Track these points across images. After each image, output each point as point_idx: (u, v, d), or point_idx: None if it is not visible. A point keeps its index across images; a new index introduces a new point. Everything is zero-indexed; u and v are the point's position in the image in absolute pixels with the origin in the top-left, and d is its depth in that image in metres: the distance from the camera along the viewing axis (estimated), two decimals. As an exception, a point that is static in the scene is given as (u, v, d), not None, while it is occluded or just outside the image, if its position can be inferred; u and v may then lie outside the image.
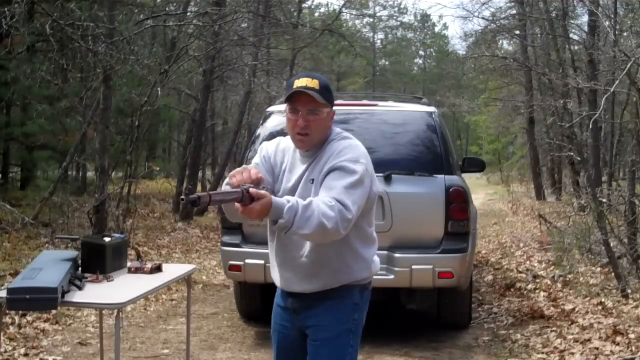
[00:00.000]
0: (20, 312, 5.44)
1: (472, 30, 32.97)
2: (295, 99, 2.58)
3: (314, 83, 2.58)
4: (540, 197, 21.04)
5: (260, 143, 5.51)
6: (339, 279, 2.64)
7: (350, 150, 2.58)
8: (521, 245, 11.11)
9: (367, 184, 2.54)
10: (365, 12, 41.82)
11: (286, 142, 2.75)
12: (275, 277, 2.81)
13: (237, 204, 2.32)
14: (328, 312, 2.65)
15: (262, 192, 2.31)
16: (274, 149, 2.76)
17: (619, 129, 16.76)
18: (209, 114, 17.32)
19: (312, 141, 2.61)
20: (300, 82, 2.58)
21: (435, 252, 5.35)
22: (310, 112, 2.58)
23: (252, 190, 2.30)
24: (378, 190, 2.69)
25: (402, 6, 66.27)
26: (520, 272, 8.66)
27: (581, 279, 7.67)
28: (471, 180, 8.97)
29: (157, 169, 18.27)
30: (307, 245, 2.62)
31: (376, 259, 2.79)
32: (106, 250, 3.63)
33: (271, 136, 5.24)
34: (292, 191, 2.62)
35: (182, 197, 2.21)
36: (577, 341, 5.32)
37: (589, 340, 5.29)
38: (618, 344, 5.09)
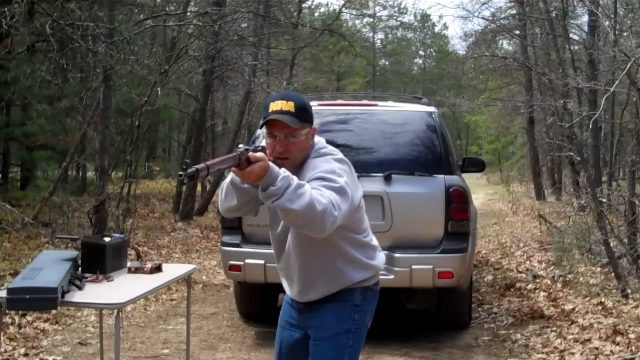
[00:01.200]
0: (20, 312, 5.44)
1: (472, 30, 32.96)
2: (271, 124, 2.52)
3: (289, 106, 2.50)
4: (540, 197, 21.04)
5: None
6: (337, 284, 2.66)
7: (327, 163, 2.53)
8: (521, 245, 11.11)
9: (349, 195, 2.47)
10: (365, 12, 41.75)
11: None
12: (284, 285, 2.84)
13: (234, 169, 2.29)
14: (328, 312, 2.67)
15: (260, 154, 2.28)
16: None
17: (619, 129, 16.76)
18: (209, 114, 17.33)
19: (294, 163, 2.56)
20: (275, 106, 2.51)
21: (435, 252, 5.35)
22: (289, 135, 2.52)
23: (250, 153, 2.27)
24: (362, 199, 2.65)
25: (402, 6, 66.26)
26: (520, 272, 8.66)
27: (581, 279, 7.67)
28: (471, 180, 8.97)
29: (157, 169, 18.25)
30: (298, 257, 2.63)
31: (380, 258, 2.77)
32: (106, 250, 3.63)
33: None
34: (275, 211, 2.58)
35: (180, 172, 2.08)
36: (577, 341, 5.32)
37: (589, 340, 5.29)
38: (618, 344, 5.10)
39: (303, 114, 2.53)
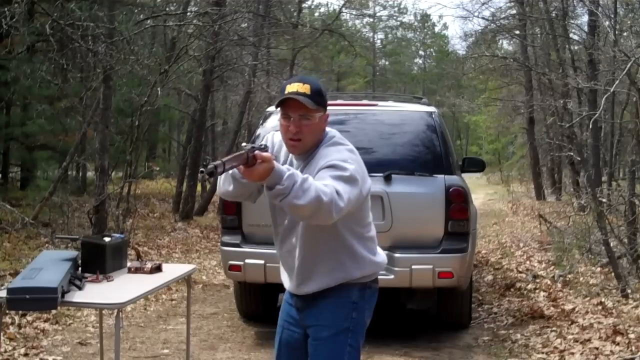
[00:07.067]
0: (20, 312, 5.44)
1: (472, 30, 32.90)
2: (286, 104, 2.58)
3: (305, 88, 2.56)
4: (540, 197, 21.04)
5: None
6: (336, 278, 2.65)
7: (338, 152, 2.57)
8: (521, 245, 11.10)
9: (359, 183, 2.52)
10: (365, 12, 41.80)
11: None
12: (283, 279, 2.84)
13: (240, 167, 2.32)
14: (326, 311, 2.67)
15: (266, 154, 2.32)
16: (279, 141, 2.75)
17: (619, 129, 16.77)
18: (209, 114, 17.31)
19: (305, 146, 2.61)
20: (291, 87, 2.57)
21: (435, 252, 5.36)
22: (302, 117, 2.57)
23: (256, 152, 2.31)
24: (370, 190, 2.68)
25: (402, 6, 66.20)
26: (520, 272, 8.66)
27: (581, 279, 7.67)
28: (471, 180, 8.97)
29: (157, 169, 18.25)
30: (301, 247, 2.64)
31: (382, 256, 2.78)
32: (106, 250, 3.63)
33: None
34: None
35: (202, 169, 2.18)
36: (577, 341, 5.32)
37: (589, 340, 5.29)
38: (618, 344, 5.10)
39: (318, 98, 2.59)
